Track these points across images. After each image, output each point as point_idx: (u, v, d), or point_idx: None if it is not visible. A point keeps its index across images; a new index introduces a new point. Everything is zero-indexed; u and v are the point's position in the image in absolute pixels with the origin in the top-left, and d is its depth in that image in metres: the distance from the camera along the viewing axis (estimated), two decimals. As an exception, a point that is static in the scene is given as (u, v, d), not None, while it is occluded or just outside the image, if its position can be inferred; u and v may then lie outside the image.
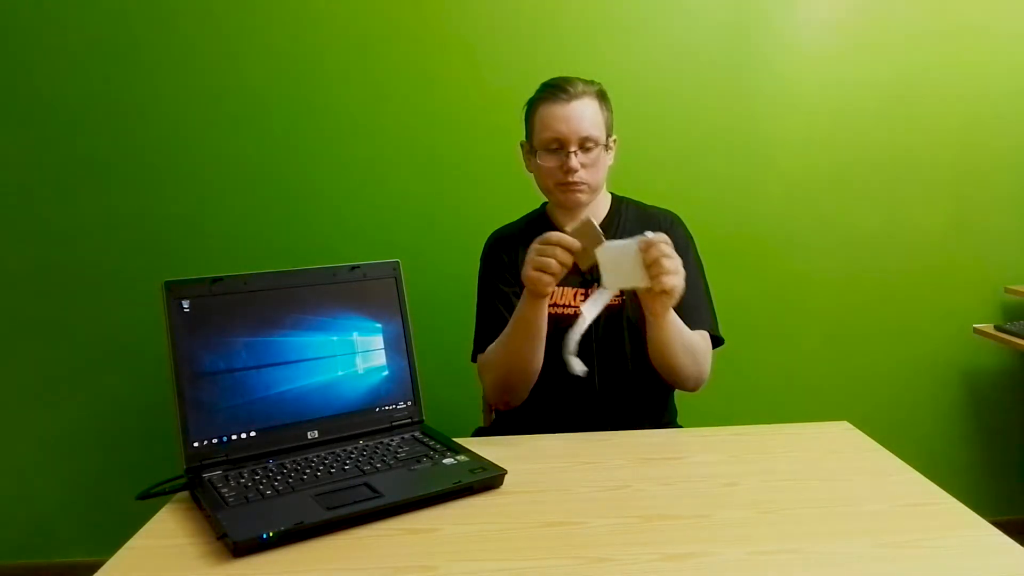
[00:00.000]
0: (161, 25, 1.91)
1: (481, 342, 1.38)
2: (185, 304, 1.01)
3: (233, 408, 1.02)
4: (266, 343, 1.05)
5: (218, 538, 0.84)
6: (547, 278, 1.13)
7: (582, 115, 1.30)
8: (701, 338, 1.31)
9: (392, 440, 1.09)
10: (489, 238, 1.50)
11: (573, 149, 1.30)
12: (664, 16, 1.99)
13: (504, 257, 1.41)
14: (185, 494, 0.97)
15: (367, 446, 1.07)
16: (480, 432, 1.52)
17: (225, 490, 0.93)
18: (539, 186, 1.39)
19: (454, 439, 1.09)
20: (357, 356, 1.12)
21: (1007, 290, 2.12)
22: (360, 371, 1.12)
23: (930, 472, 1.00)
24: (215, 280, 1.04)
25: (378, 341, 1.14)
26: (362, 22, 1.94)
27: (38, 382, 2.03)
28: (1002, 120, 2.09)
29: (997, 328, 2.04)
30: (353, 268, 1.14)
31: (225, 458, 1.01)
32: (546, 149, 1.32)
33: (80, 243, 1.98)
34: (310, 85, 1.96)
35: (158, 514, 0.94)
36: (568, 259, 1.11)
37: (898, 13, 2.03)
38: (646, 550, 0.82)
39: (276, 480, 0.96)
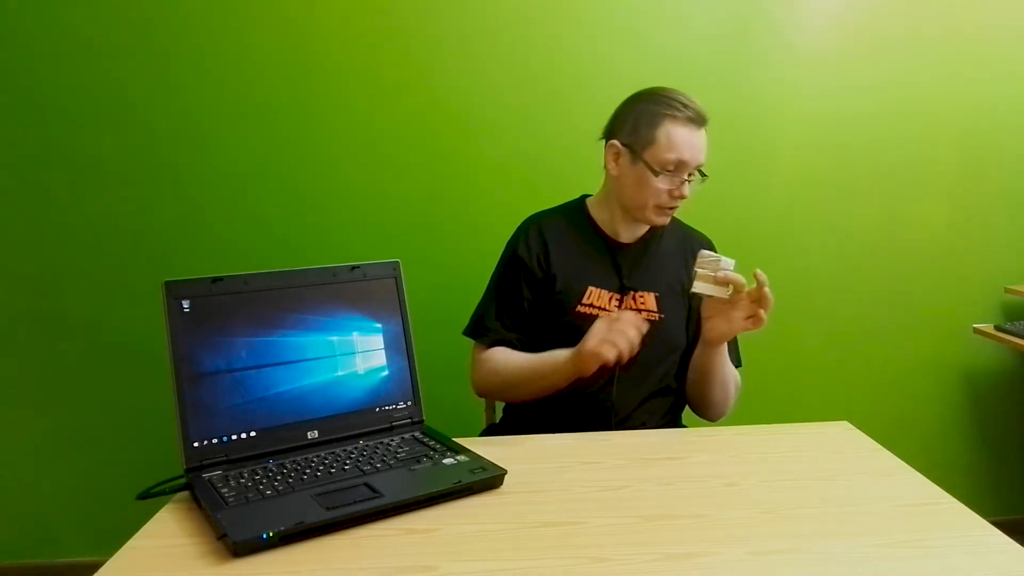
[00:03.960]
0: (161, 25, 1.91)
1: (482, 320, 1.37)
2: (185, 304, 1.01)
3: (233, 408, 1.02)
4: (266, 343, 1.05)
5: (218, 538, 0.84)
6: (611, 355, 1.15)
7: (704, 145, 1.30)
8: (735, 375, 1.35)
9: (392, 440, 1.09)
10: (527, 220, 1.45)
11: (689, 178, 1.29)
12: (664, 17, 1.99)
13: (535, 246, 1.38)
14: (185, 494, 0.97)
15: (367, 446, 1.07)
16: (491, 430, 1.51)
17: (225, 490, 0.93)
18: (626, 194, 1.34)
19: (454, 439, 1.09)
20: (357, 356, 1.12)
21: (1007, 290, 2.12)
22: (360, 371, 1.12)
23: (930, 472, 1.00)
24: (215, 280, 1.04)
25: (378, 341, 1.14)
26: (362, 22, 1.94)
27: (38, 382, 2.03)
28: (1002, 120, 2.09)
29: (997, 328, 2.04)
30: (353, 268, 1.14)
31: (225, 458, 1.01)
32: (665, 169, 1.28)
33: (80, 243, 1.98)
34: (310, 85, 1.96)
35: (158, 514, 0.94)
36: (637, 343, 1.17)
37: (898, 14, 2.03)
38: (646, 550, 0.82)
39: (276, 480, 0.96)
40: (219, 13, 1.92)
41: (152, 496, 0.97)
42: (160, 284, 1.01)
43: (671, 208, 1.32)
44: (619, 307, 1.34)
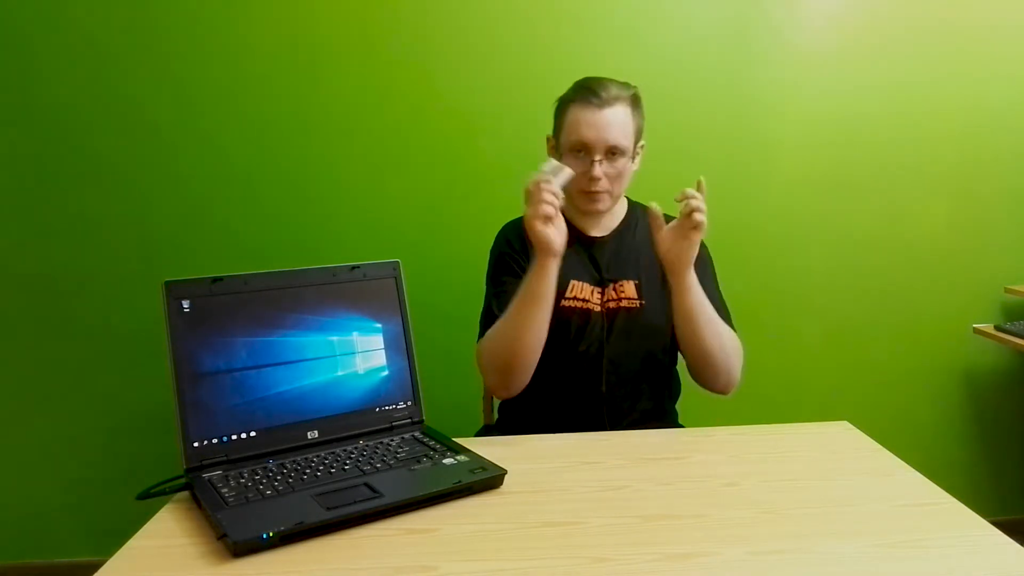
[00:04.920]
0: (162, 25, 1.91)
1: (486, 320, 1.36)
2: (185, 304, 1.01)
3: (233, 408, 1.02)
4: (266, 343, 1.05)
5: (218, 538, 0.84)
6: (551, 228, 1.17)
7: (611, 123, 1.28)
8: (730, 333, 1.31)
9: (392, 440, 1.09)
10: (504, 227, 1.48)
11: (598, 158, 1.29)
12: (664, 16, 1.99)
13: (516, 245, 1.39)
14: (185, 494, 0.97)
15: (367, 446, 1.07)
16: (486, 430, 1.52)
17: (225, 490, 0.93)
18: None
19: (454, 439, 1.09)
20: (357, 356, 1.12)
21: (1007, 290, 2.12)
22: (360, 371, 1.12)
23: (930, 472, 1.00)
24: (215, 280, 1.04)
25: (378, 341, 1.14)
26: (362, 21, 1.94)
27: (38, 382, 2.03)
28: (1002, 120, 2.09)
29: (997, 328, 2.04)
30: (353, 268, 1.14)
31: (225, 458, 1.01)
32: (572, 152, 1.30)
33: (80, 243, 1.98)
34: (311, 85, 1.96)
35: (158, 514, 0.94)
36: (556, 194, 1.18)
37: (898, 14, 2.03)
38: (646, 550, 0.82)
39: (276, 480, 0.96)
40: (221, 12, 1.92)
41: (152, 496, 0.97)
42: (160, 284, 1.01)
43: (594, 193, 1.31)
44: (601, 298, 1.35)
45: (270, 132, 1.97)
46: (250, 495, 0.92)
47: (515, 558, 0.81)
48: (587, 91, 1.30)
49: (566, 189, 1.31)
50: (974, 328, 2.10)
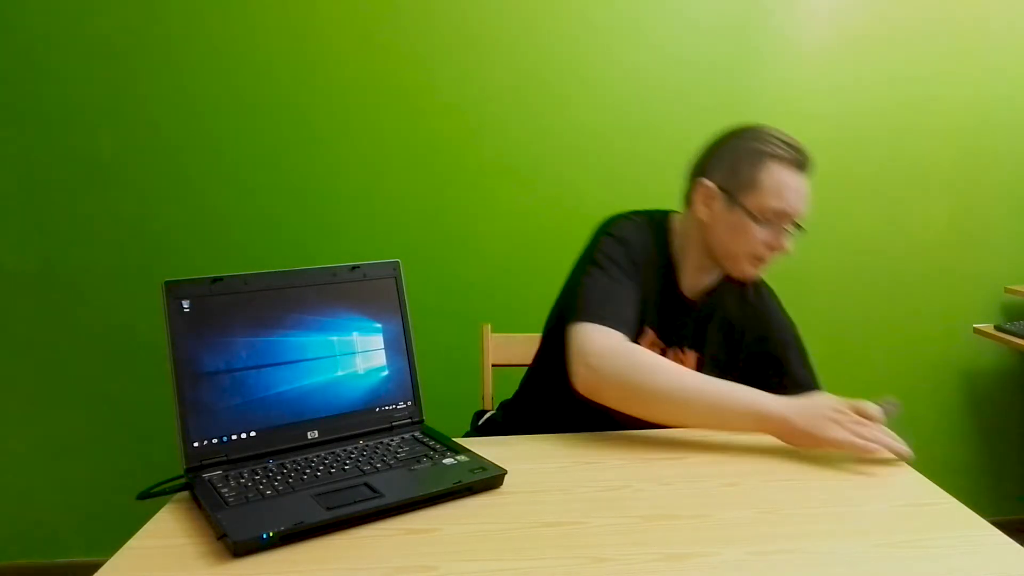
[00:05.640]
0: (162, 25, 1.91)
1: (597, 311, 1.12)
2: (185, 304, 1.01)
3: (233, 408, 1.02)
4: (266, 343, 1.05)
5: (218, 538, 0.84)
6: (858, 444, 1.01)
7: (807, 193, 1.18)
8: None
9: (392, 440, 1.09)
10: (626, 220, 1.27)
11: (791, 228, 1.17)
12: (663, 15, 1.99)
13: (636, 252, 1.21)
14: (185, 494, 0.97)
15: (367, 446, 1.07)
16: (485, 424, 1.47)
17: (225, 490, 0.93)
18: (717, 242, 1.20)
19: (454, 439, 1.09)
20: (357, 356, 1.12)
21: (1007, 290, 2.12)
22: (360, 371, 1.12)
23: (930, 472, 1.00)
24: (215, 280, 1.04)
25: (378, 341, 1.14)
26: (362, 21, 1.94)
27: (38, 382, 2.03)
28: (1003, 120, 2.09)
29: (997, 328, 2.04)
30: (353, 268, 1.14)
31: (225, 458, 1.00)
32: (765, 217, 1.15)
33: (80, 243, 1.98)
34: (311, 85, 1.96)
35: (158, 514, 0.94)
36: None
37: (898, 13, 2.03)
38: (646, 550, 0.82)
39: (276, 480, 0.96)
40: (221, 12, 1.92)
41: (152, 496, 0.97)
42: (160, 284, 1.01)
43: (766, 261, 1.20)
44: (663, 354, 1.19)
45: (270, 132, 1.97)
46: (250, 495, 0.92)
47: (515, 558, 0.81)
48: (794, 151, 1.16)
49: (722, 249, 1.21)
50: (974, 328, 2.10)
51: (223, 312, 1.03)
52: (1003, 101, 2.08)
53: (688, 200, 1.26)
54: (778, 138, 1.18)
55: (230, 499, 0.91)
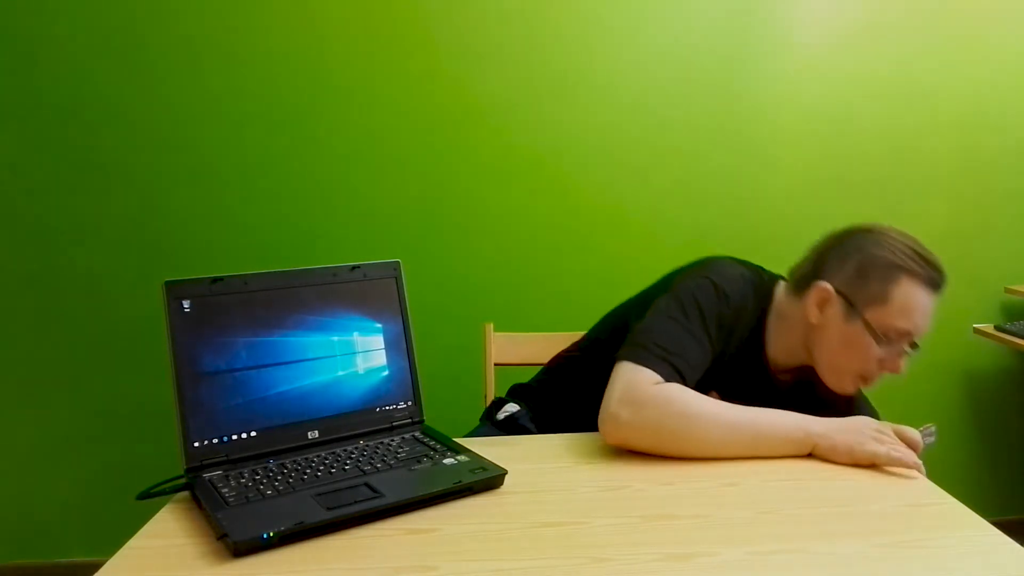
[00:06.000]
0: (162, 25, 1.91)
1: (658, 354, 1.05)
2: (185, 304, 1.01)
3: (233, 408, 1.02)
4: (266, 343, 1.05)
5: (218, 538, 0.84)
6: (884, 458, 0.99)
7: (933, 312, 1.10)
8: None
9: (392, 440, 1.09)
10: (733, 269, 1.18)
11: (911, 350, 1.10)
12: (662, 12, 2.00)
13: (729, 311, 1.13)
14: (185, 494, 0.97)
15: (367, 446, 1.07)
16: (493, 409, 1.38)
17: (225, 490, 0.93)
18: (825, 350, 1.12)
19: (454, 439, 1.09)
20: (357, 356, 1.12)
21: (1007, 290, 2.12)
22: (360, 371, 1.12)
23: (930, 472, 1.00)
24: (215, 280, 1.04)
25: (378, 341, 1.14)
26: (362, 22, 1.94)
27: (38, 382, 2.03)
28: (1003, 120, 2.09)
29: (997, 328, 2.04)
30: (353, 268, 1.14)
31: (225, 458, 1.00)
32: (889, 336, 1.07)
33: (80, 243, 1.98)
34: (311, 85, 1.96)
35: (158, 514, 0.94)
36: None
37: (898, 12, 2.03)
38: (647, 550, 0.82)
39: (276, 480, 0.96)
40: (220, 13, 1.92)
41: (152, 496, 0.97)
42: (160, 284, 1.01)
43: (873, 381, 1.12)
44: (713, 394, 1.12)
45: (271, 132, 1.97)
46: (250, 495, 0.92)
47: (515, 558, 0.81)
48: (938, 273, 1.10)
49: (828, 360, 1.12)
50: (974, 328, 2.10)
51: (223, 312, 1.03)
52: (1004, 100, 2.08)
53: (796, 283, 1.16)
54: (915, 251, 1.10)
55: (230, 499, 0.91)
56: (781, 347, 1.18)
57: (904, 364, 1.09)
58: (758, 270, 1.24)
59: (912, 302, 1.07)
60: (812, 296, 1.12)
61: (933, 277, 1.09)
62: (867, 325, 1.07)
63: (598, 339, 1.34)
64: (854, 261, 1.10)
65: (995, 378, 2.20)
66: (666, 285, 1.19)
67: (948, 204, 2.12)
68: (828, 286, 1.10)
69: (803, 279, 1.16)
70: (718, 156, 2.06)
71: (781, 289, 1.21)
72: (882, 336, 1.07)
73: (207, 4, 1.91)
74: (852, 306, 1.09)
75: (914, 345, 1.10)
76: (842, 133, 2.07)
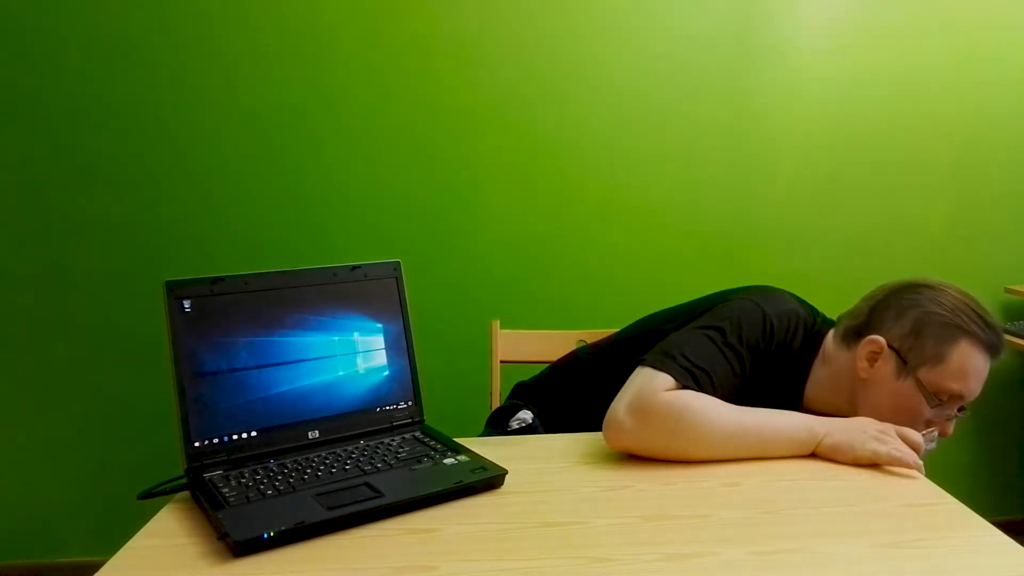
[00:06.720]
0: (161, 26, 1.91)
1: (683, 364, 1.04)
2: (186, 304, 1.01)
3: (234, 408, 1.02)
4: (267, 343, 1.05)
5: (219, 538, 0.84)
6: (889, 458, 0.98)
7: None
8: None
9: (393, 440, 1.09)
10: (787, 304, 1.15)
11: (960, 415, 1.07)
12: (664, 12, 2.00)
13: (769, 342, 1.10)
14: (186, 494, 0.97)
15: (368, 446, 1.07)
16: (498, 416, 1.36)
17: (226, 490, 0.93)
18: (871, 405, 1.08)
19: (455, 439, 1.09)
20: (358, 356, 1.12)
21: (1007, 290, 2.12)
22: (361, 371, 1.12)
23: (930, 472, 1.00)
24: (216, 280, 1.04)
25: (379, 341, 1.14)
26: (362, 22, 1.95)
27: (39, 381, 2.03)
28: (1003, 119, 2.09)
29: (997, 328, 2.04)
30: (353, 268, 1.14)
31: (226, 458, 1.01)
32: (938, 396, 1.05)
33: (80, 243, 1.98)
34: (311, 85, 1.96)
35: (159, 514, 0.94)
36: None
37: (898, 13, 2.03)
38: (647, 550, 0.82)
39: (277, 480, 0.96)
40: (219, 15, 1.92)
41: (153, 496, 0.97)
42: (160, 284, 1.01)
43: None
44: None
45: (271, 132, 1.97)
46: (251, 495, 0.92)
47: (515, 558, 0.81)
48: (993, 333, 1.06)
49: (874, 416, 1.07)
50: (974, 328, 2.10)
51: (224, 312, 1.03)
52: (1004, 100, 2.08)
53: (846, 333, 1.13)
54: (976, 312, 1.06)
55: (231, 499, 0.91)
56: (820, 394, 1.15)
57: (952, 428, 1.07)
58: (813, 311, 1.20)
59: (969, 365, 1.04)
60: (863, 349, 1.09)
61: (993, 342, 1.05)
62: (919, 384, 1.05)
63: (624, 340, 1.32)
64: (911, 317, 1.06)
65: (995, 378, 2.19)
66: (716, 301, 1.17)
67: (948, 204, 2.12)
68: (882, 340, 1.07)
69: (854, 330, 1.12)
70: (721, 156, 2.06)
71: (831, 336, 1.17)
72: (933, 397, 1.05)
73: (207, 5, 1.91)
74: (905, 363, 1.06)
75: (963, 409, 1.07)
76: (842, 135, 2.07)
